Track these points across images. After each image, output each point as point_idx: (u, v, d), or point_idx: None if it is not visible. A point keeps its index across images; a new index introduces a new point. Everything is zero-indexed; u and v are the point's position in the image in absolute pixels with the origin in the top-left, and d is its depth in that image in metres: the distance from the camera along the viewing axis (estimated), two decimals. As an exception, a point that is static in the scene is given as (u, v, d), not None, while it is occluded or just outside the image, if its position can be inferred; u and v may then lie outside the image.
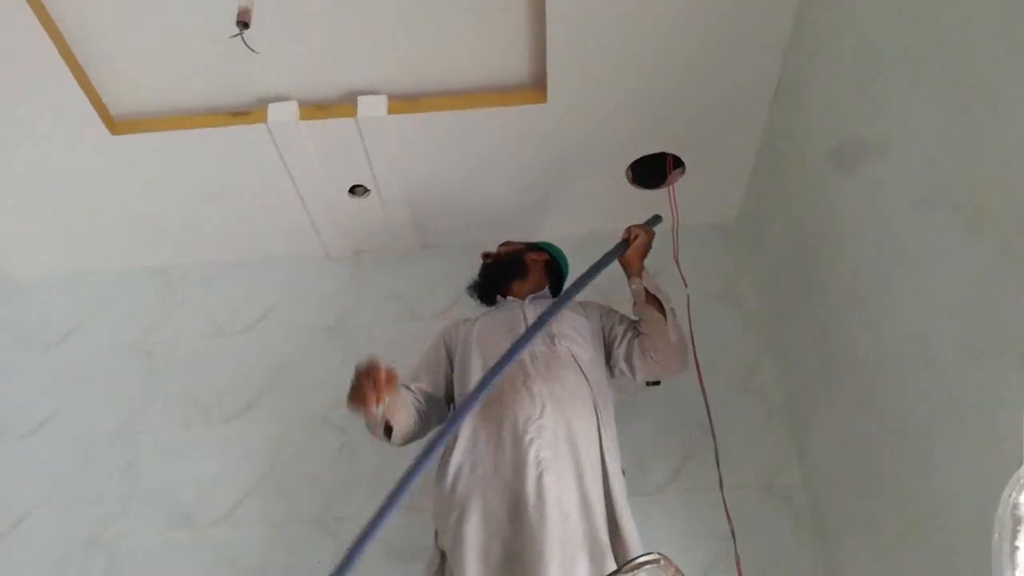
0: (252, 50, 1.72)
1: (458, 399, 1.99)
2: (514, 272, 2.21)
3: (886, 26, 1.65)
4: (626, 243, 2.09)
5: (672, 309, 2.01)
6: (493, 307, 2.23)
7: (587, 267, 2.07)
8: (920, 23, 1.53)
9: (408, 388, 1.96)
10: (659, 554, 1.52)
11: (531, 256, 2.26)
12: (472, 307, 2.35)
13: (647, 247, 2.10)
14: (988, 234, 1.35)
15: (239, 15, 1.63)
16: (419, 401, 1.96)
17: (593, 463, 1.80)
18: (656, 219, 2.27)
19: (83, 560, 2.28)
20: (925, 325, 1.57)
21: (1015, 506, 1.28)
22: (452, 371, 2.06)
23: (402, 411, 1.88)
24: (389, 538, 2.13)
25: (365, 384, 1.69)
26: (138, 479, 2.38)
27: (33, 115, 2.19)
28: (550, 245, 2.36)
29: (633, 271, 2.06)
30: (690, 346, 2.06)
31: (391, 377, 1.70)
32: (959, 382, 1.46)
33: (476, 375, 1.92)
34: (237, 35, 1.63)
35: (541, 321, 1.83)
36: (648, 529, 2.10)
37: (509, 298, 2.18)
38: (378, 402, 1.69)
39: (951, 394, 1.49)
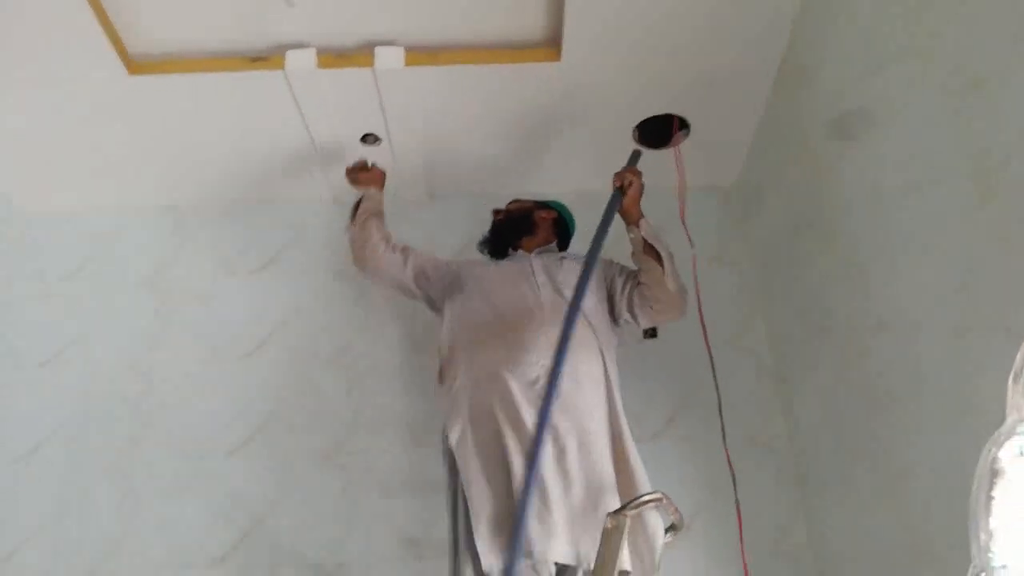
0: (290, 3, 1.74)
1: (449, 322, 2.13)
2: (523, 228, 2.29)
3: (893, 6, 1.72)
4: (621, 191, 2.10)
5: (670, 255, 2.07)
6: (503, 259, 2.30)
7: (592, 222, 2.09)
8: (925, 6, 1.60)
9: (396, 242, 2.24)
10: (661, 493, 1.65)
11: (540, 214, 2.33)
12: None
13: (641, 191, 2.12)
14: (984, 214, 1.44)
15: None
16: (395, 246, 2.23)
17: (599, 404, 1.91)
18: (636, 155, 2.28)
19: (97, 487, 2.37)
20: (915, 297, 1.68)
21: (994, 459, 1.41)
22: (442, 289, 2.21)
23: (373, 227, 2.23)
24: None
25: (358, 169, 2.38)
26: (151, 413, 2.47)
27: (51, 52, 2.19)
28: (558, 203, 2.42)
29: (632, 220, 2.10)
30: (687, 297, 2.12)
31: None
32: (946, 353, 1.57)
33: (478, 313, 2.07)
34: (282, -5, 1.65)
35: (577, 299, 1.84)
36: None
37: (519, 251, 2.26)
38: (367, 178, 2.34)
39: (937, 363, 1.61)
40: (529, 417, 1.80)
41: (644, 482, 1.84)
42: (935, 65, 1.58)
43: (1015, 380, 1.31)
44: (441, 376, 2.11)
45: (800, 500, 2.30)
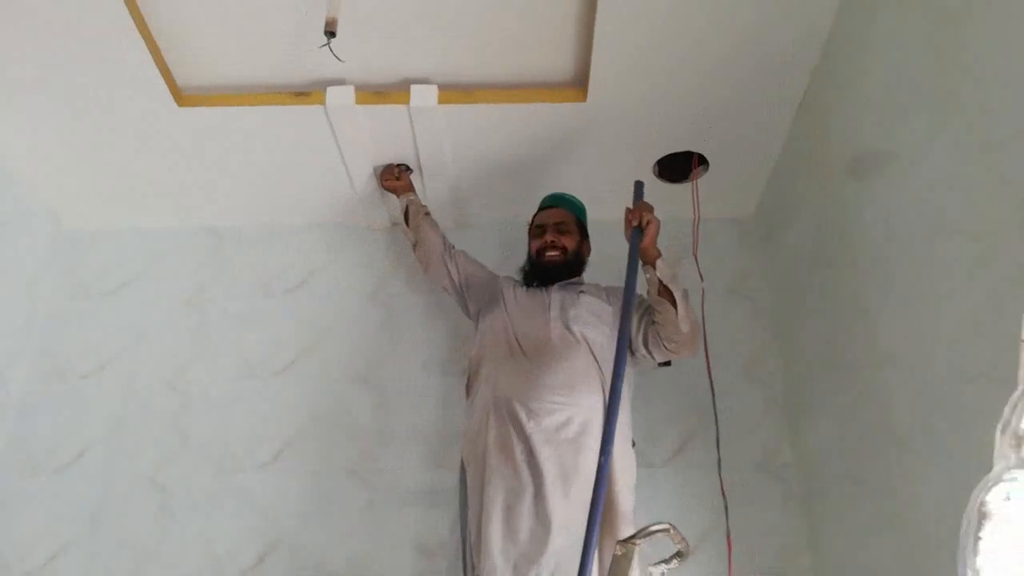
0: (338, 58, 1.87)
1: (480, 336, 2.28)
2: (575, 270, 2.36)
3: (915, 57, 1.81)
4: (640, 230, 2.13)
5: (686, 293, 2.11)
6: (523, 284, 2.38)
7: (613, 251, 2.24)
8: (944, 60, 1.69)
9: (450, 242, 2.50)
10: (668, 524, 1.75)
11: (585, 248, 2.42)
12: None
13: (658, 229, 2.13)
14: (994, 267, 1.53)
15: (327, 25, 1.77)
16: (448, 244, 2.49)
17: (594, 440, 1.96)
18: (640, 187, 2.32)
19: (137, 497, 2.50)
20: (923, 342, 1.77)
21: (982, 503, 1.50)
22: (482, 303, 2.36)
23: (428, 227, 2.50)
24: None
25: (388, 171, 2.59)
26: (189, 425, 2.60)
27: (105, 82, 2.33)
28: (580, 206, 2.47)
29: (649, 259, 2.12)
30: (701, 335, 2.22)
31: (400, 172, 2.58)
32: (948, 397, 1.66)
33: (502, 335, 2.20)
34: (325, 44, 1.77)
35: (620, 348, 1.94)
36: (653, 497, 2.36)
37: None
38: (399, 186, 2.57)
39: (939, 406, 1.70)
40: (540, 453, 1.93)
41: (626, 524, 1.94)
42: (952, 120, 1.67)
43: (1003, 430, 1.41)
44: (468, 389, 2.25)
45: (806, 528, 2.38)
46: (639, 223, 2.13)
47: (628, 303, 2.01)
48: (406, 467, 2.52)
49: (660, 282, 2.09)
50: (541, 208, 2.48)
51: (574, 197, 2.50)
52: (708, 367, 2.38)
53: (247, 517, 2.47)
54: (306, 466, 2.54)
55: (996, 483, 1.45)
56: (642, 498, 2.28)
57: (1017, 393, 1.38)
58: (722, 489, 2.30)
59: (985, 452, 1.48)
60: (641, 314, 2.18)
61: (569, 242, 2.36)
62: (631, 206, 2.22)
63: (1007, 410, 1.40)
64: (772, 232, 2.76)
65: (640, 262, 2.12)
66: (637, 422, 2.32)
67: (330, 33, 1.78)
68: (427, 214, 2.55)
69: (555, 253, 2.34)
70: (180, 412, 2.63)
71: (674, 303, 2.07)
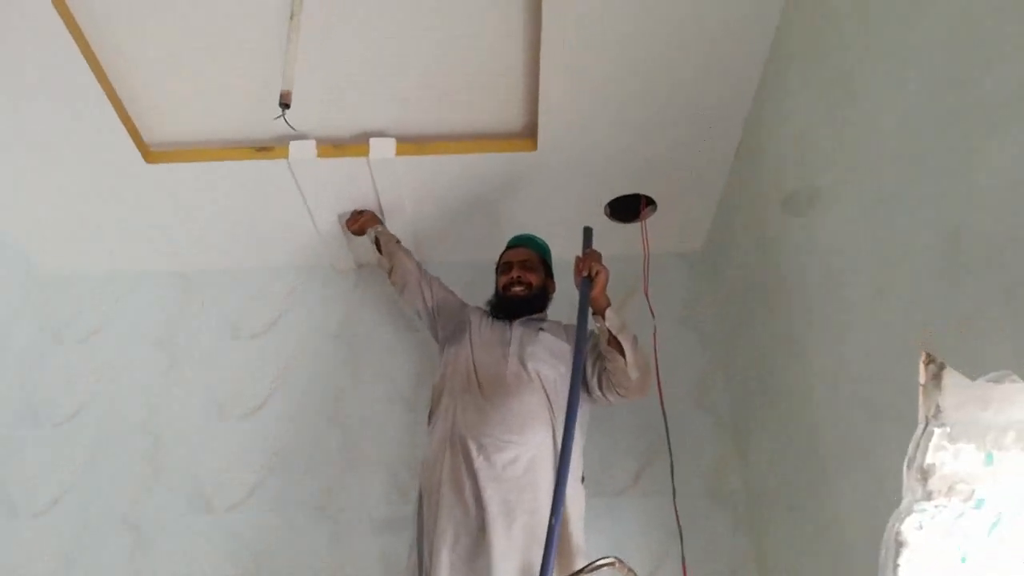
0: (292, 127, 1.98)
1: (443, 366, 2.37)
2: (537, 307, 2.46)
3: (816, 116, 1.97)
4: (589, 280, 2.18)
5: (635, 340, 2.18)
6: (492, 314, 2.48)
7: (570, 291, 2.32)
8: (839, 118, 1.84)
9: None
10: (614, 557, 1.86)
11: (550, 285, 2.53)
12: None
13: (607, 278, 2.19)
14: (890, 312, 1.67)
15: (281, 98, 1.89)
16: (423, 270, 2.60)
17: (543, 477, 2.06)
18: (589, 233, 2.40)
19: (111, 538, 2.57)
20: (836, 377, 1.91)
21: (898, 532, 1.65)
22: (449, 331, 2.46)
23: (403, 254, 2.60)
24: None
25: (352, 221, 2.69)
26: (162, 466, 2.68)
27: (76, 141, 2.44)
28: (544, 247, 2.59)
29: (599, 308, 2.17)
30: (652, 376, 2.32)
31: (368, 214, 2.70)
32: (858, 431, 1.80)
33: (463, 366, 2.29)
34: (279, 116, 1.88)
35: (574, 390, 2.04)
36: (610, 526, 2.47)
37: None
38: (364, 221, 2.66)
39: (849, 438, 1.84)
40: (485, 489, 2.02)
41: (579, 556, 2.02)
42: (850, 172, 1.82)
43: (908, 466, 1.55)
44: (429, 417, 2.33)
45: (754, 551, 2.51)
46: (588, 273, 2.19)
47: (579, 353, 2.09)
48: (372, 500, 2.62)
49: (610, 331, 2.15)
50: (508, 247, 2.60)
51: (540, 238, 2.62)
52: (660, 397, 2.51)
53: (219, 556, 2.54)
54: (276, 503, 2.62)
55: (908, 514, 1.60)
56: (601, 527, 2.41)
57: (919, 431, 1.53)
58: (676, 517, 2.42)
59: (893, 483, 1.63)
60: (595, 358, 2.25)
61: (534, 279, 2.47)
62: (580, 254, 2.30)
63: (911, 447, 1.55)
64: (718, 265, 2.90)
65: (591, 312, 2.18)
66: (593, 452, 2.44)
67: (284, 105, 1.88)
68: (398, 242, 2.66)
69: (520, 288, 2.45)
70: (153, 453, 2.71)
71: (623, 352, 2.13)
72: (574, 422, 1.99)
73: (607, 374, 2.20)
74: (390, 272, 2.63)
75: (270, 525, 2.59)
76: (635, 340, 2.20)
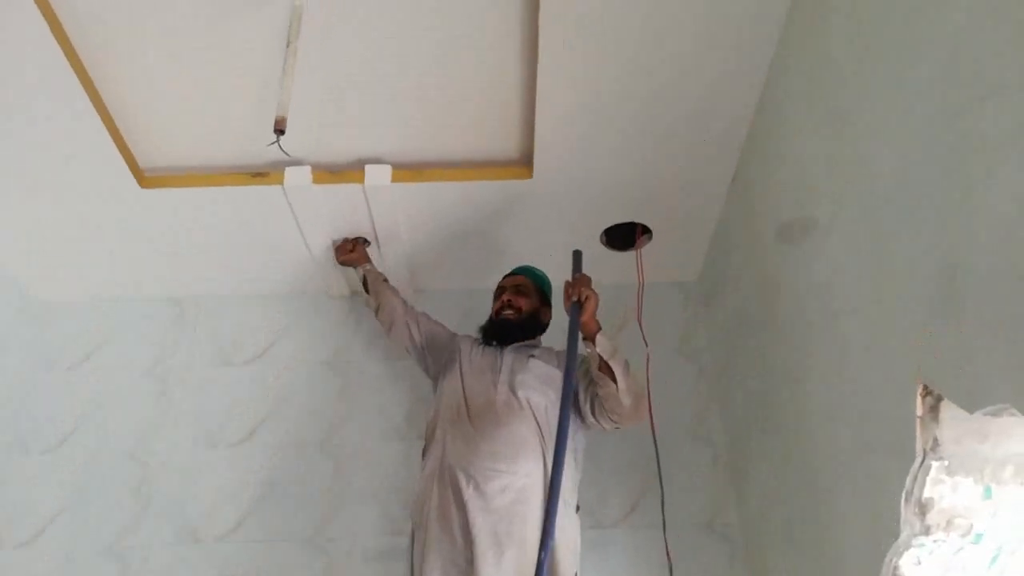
0: (286, 153, 1.98)
1: (436, 399, 2.36)
2: (530, 331, 2.45)
3: (813, 149, 1.98)
4: (579, 305, 2.14)
5: (627, 365, 2.14)
6: (482, 342, 2.46)
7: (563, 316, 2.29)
8: (836, 152, 1.85)
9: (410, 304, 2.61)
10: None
11: (544, 313, 2.51)
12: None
13: (597, 303, 2.16)
14: (887, 346, 1.66)
15: (276, 124, 1.88)
16: (409, 306, 2.59)
17: (533, 506, 2.02)
18: (578, 256, 2.37)
19: (97, 569, 2.52)
20: (832, 411, 1.90)
21: (896, 568, 1.62)
22: (441, 364, 2.44)
23: (389, 292, 2.60)
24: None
25: (343, 246, 2.69)
26: (150, 496, 2.64)
27: (70, 167, 2.42)
28: (542, 278, 2.57)
29: (589, 333, 2.13)
30: (646, 402, 2.27)
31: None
32: (855, 465, 1.78)
33: (454, 397, 2.26)
34: (274, 143, 1.88)
35: (563, 418, 2.02)
36: (602, 559, 2.44)
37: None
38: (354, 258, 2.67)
39: (848, 471, 1.82)
40: (474, 522, 1.98)
41: None
42: (845, 208, 1.82)
43: (906, 499, 1.53)
44: (424, 452, 2.29)
45: (750, 584, 2.48)
46: (578, 298, 2.16)
47: (568, 381, 2.06)
48: (364, 531, 2.58)
49: (601, 357, 2.13)
50: (506, 276, 2.60)
51: (539, 270, 2.60)
52: (653, 429, 2.48)
53: (208, 587, 2.50)
54: (265, 535, 2.58)
55: (906, 548, 1.58)
56: (593, 560, 2.37)
57: (916, 465, 1.51)
58: (667, 550, 2.38)
59: (891, 517, 1.60)
60: (588, 382, 2.22)
61: (525, 304, 2.46)
62: (570, 278, 2.27)
63: (908, 480, 1.53)
64: (714, 295, 2.90)
65: (582, 337, 2.15)
66: (588, 483, 2.42)
67: (279, 131, 1.88)
68: (385, 280, 2.65)
69: (510, 312, 2.44)
70: (141, 482, 2.67)
71: (615, 378, 2.11)
72: (563, 452, 1.96)
73: (599, 400, 2.17)
74: (377, 311, 2.61)
75: (260, 556, 2.55)
76: (627, 365, 2.16)
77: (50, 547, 2.56)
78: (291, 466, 2.70)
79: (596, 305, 2.16)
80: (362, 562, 2.54)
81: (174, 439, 2.74)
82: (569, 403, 2.03)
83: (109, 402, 2.81)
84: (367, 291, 2.65)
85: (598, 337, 2.14)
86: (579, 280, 2.23)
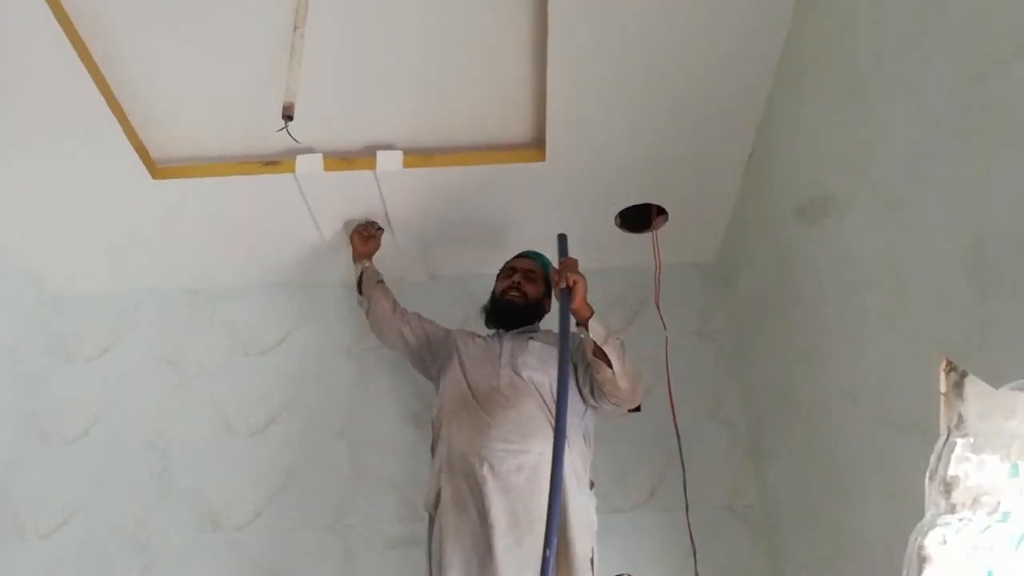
0: (295, 139, 1.96)
1: (439, 394, 2.33)
2: (534, 316, 2.44)
3: (830, 122, 1.94)
4: (569, 291, 2.10)
5: (622, 348, 2.13)
6: (478, 335, 2.46)
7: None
8: (854, 124, 1.80)
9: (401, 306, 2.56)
10: (626, 574, 1.82)
11: (547, 302, 2.49)
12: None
13: (585, 288, 2.12)
14: (907, 321, 1.62)
15: (284, 110, 1.87)
16: (400, 308, 2.54)
17: (547, 483, 1.95)
18: (563, 240, 2.36)
19: (121, 558, 2.55)
20: (854, 389, 1.87)
21: (920, 547, 1.60)
22: (440, 361, 2.41)
23: (380, 294, 2.53)
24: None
25: (361, 232, 2.64)
26: (171, 485, 2.66)
27: (84, 160, 2.43)
28: (546, 262, 2.54)
29: (581, 318, 2.10)
30: (643, 383, 2.26)
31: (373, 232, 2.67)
32: (878, 443, 1.75)
33: (457, 389, 2.25)
34: (282, 128, 1.87)
35: (561, 400, 1.98)
36: (624, 542, 2.43)
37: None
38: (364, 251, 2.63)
39: (869, 450, 1.79)
40: (492, 505, 1.98)
41: (582, 566, 1.97)
42: (863, 180, 1.78)
43: (931, 478, 1.50)
44: (432, 448, 2.29)
45: (769, 564, 2.45)
46: (566, 284, 2.11)
47: (563, 373, 2.00)
48: (382, 518, 2.59)
49: (594, 343, 2.10)
50: (515, 257, 2.58)
51: (548, 259, 2.56)
52: (672, 411, 2.47)
53: (229, 575, 2.52)
54: (285, 522, 2.60)
55: (931, 527, 1.55)
56: (615, 543, 2.36)
57: (940, 443, 1.48)
58: (690, 531, 2.37)
59: (915, 496, 1.58)
60: (585, 366, 2.19)
61: (532, 290, 2.45)
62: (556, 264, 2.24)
63: (932, 459, 1.50)
64: (732, 276, 2.86)
65: (576, 323, 2.13)
66: (606, 466, 2.41)
67: (287, 117, 1.87)
68: (379, 282, 2.61)
69: (516, 295, 2.43)
70: (162, 471, 2.69)
71: (610, 363, 2.08)
72: (562, 449, 1.90)
73: (597, 383, 2.15)
74: (367, 313, 2.59)
75: (280, 543, 2.57)
76: (622, 348, 2.14)
77: (73, 536, 2.59)
78: (309, 453, 2.70)
79: (585, 289, 2.12)
80: (381, 548, 2.55)
81: (193, 428, 2.75)
82: (566, 398, 1.98)
83: (128, 393, 2.82)
84: (360, 292, 2.62)
85: (591, 323, 2.11)
86: (565, 265, 2.20)
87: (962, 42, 1.38)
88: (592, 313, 2.12)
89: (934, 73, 1.48)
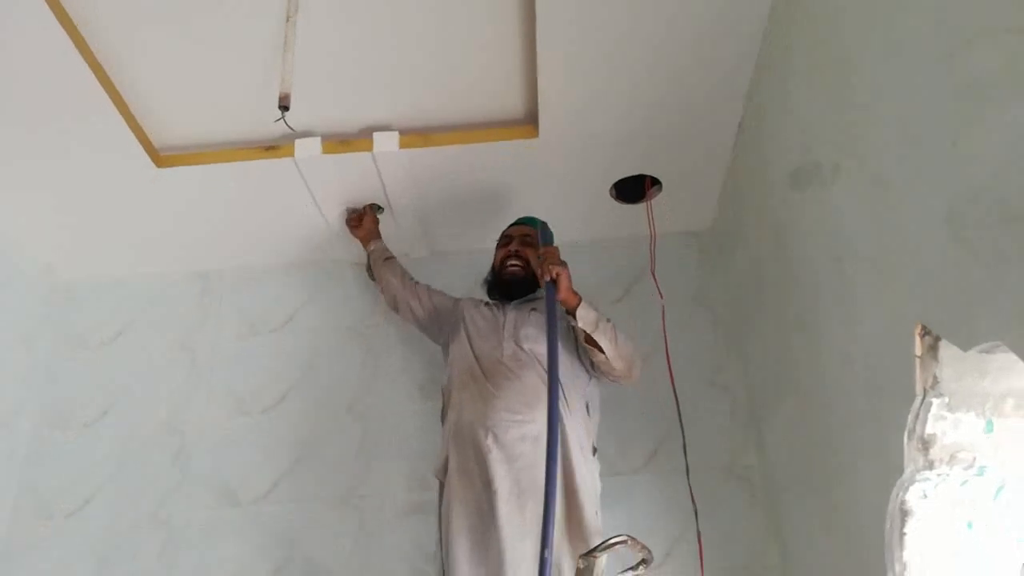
0: (292, 129, 2.02)
1: (448, 364, 2.42)
2: (534, 286, 2.45)
3: (816, 94, 1.97)
4: (554, 283, 2.14)
5: (614, 331, 2.20)
6: (485, 302, 2.52)
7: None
8: (839, 98, 1.84)
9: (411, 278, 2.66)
10: (627, 536, 1.88)
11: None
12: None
13: (569, 278, 2.16)
14: (890, 292, 1.68)
15: (280, 100, 1.92)
16: (409, 281, 2.63)
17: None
18: (543, 227, 2.44)
19: (143, 535, 2.65)
20: (845, 351, 1.92)
21: (902, 502, 1.66)
22: (449, 330, 2.49)
23: (388, 272, 2.64)
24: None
25: (351, 220, 2.73)
26: (188, 463, 2.75)
27: (88, 151, 2.49)
28: (549, 235, 2.50)
29: (570, 306, 2.16)
30: (638, 360, 2.32)
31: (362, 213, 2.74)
32: (869, 406, 1.81)
33: (464, 359, 2.33)
34: (280, 119, 1.92)
35: (552, 375, 2.02)
36: (626, 505, 2.50)
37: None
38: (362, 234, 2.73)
39: (861, 414, 1.85)
40: (496, 475, 2.06)
41: (593, 530, 2.05)
42: (847, 154, 1.82)
43: (909, 437, 1.56)
44: (442, 416, 2.38)
45: (771, 527, 2.52)
46: (550, 276, 2.15)
47: (553, 364, 2.02)
48: (394, 489, 2.67)
49: (585, 332, 2.16)
50: (512, 225, 2.63)
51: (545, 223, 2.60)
52: (671, 377, 2.53)
53: (249, 547, 2.61)
54: (300, 495, 2.68)
55: (911, 483, 1.62)
56: (617, 506, 2.43)
57: (917, 403, 1.54)
58: (691, 494, 2.45)
59: (901, 456, 1.64)
60: (584, 340, 2.24)
61: (532, 255, 2.45)
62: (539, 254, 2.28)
63: (910, 418, 1.56)
64: (727, 243, 2.90)
65: (565, 311, 2.19)
66: (608, 432, 2.47)
67: (284, 107, 1.91)
68: (388, 259, 2.71)
69: (516, 264, 2.47)
70: (179, 451, 2.78)
71: (601, 347, 2.15)
72: (556, 442, 1.93)
73: (594, 364, 2.25)
74: (382, 292, 2.71)
75: (296, 515, 2.65)
76: (613, 331, 2.20)
77: (97, 515, 2.69)
78: (321, 429, 2.79)
79: (569, 279, 2.16)
80: (394, 517, 2.63)
81: (208, 408, 2.84)
82: (556, 394, 2.00)
83: (143, 376, 2.91)
84: (371, 275, 2.72)
85: (579, 311, 2.16)
86: (546, 256, 2.22)
87: (945, 12, 1.41)
88: (580, 300, 2.16)
89: (914, 45, 1.50)
